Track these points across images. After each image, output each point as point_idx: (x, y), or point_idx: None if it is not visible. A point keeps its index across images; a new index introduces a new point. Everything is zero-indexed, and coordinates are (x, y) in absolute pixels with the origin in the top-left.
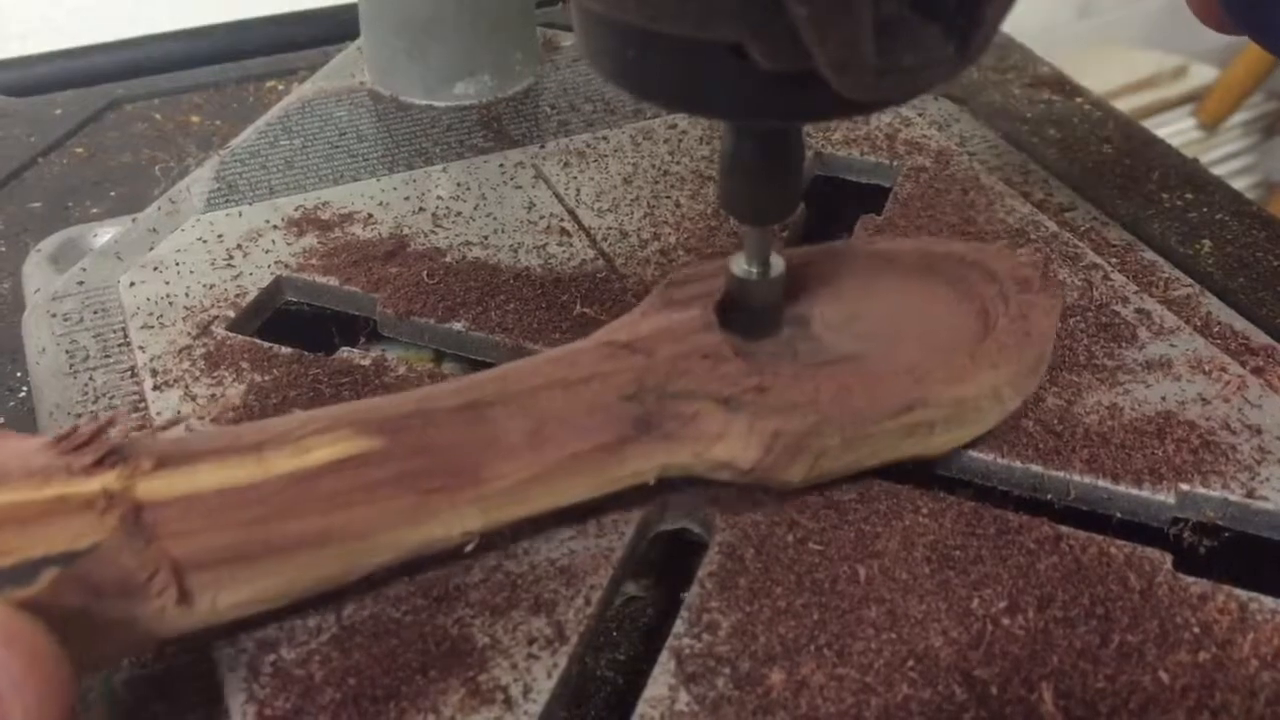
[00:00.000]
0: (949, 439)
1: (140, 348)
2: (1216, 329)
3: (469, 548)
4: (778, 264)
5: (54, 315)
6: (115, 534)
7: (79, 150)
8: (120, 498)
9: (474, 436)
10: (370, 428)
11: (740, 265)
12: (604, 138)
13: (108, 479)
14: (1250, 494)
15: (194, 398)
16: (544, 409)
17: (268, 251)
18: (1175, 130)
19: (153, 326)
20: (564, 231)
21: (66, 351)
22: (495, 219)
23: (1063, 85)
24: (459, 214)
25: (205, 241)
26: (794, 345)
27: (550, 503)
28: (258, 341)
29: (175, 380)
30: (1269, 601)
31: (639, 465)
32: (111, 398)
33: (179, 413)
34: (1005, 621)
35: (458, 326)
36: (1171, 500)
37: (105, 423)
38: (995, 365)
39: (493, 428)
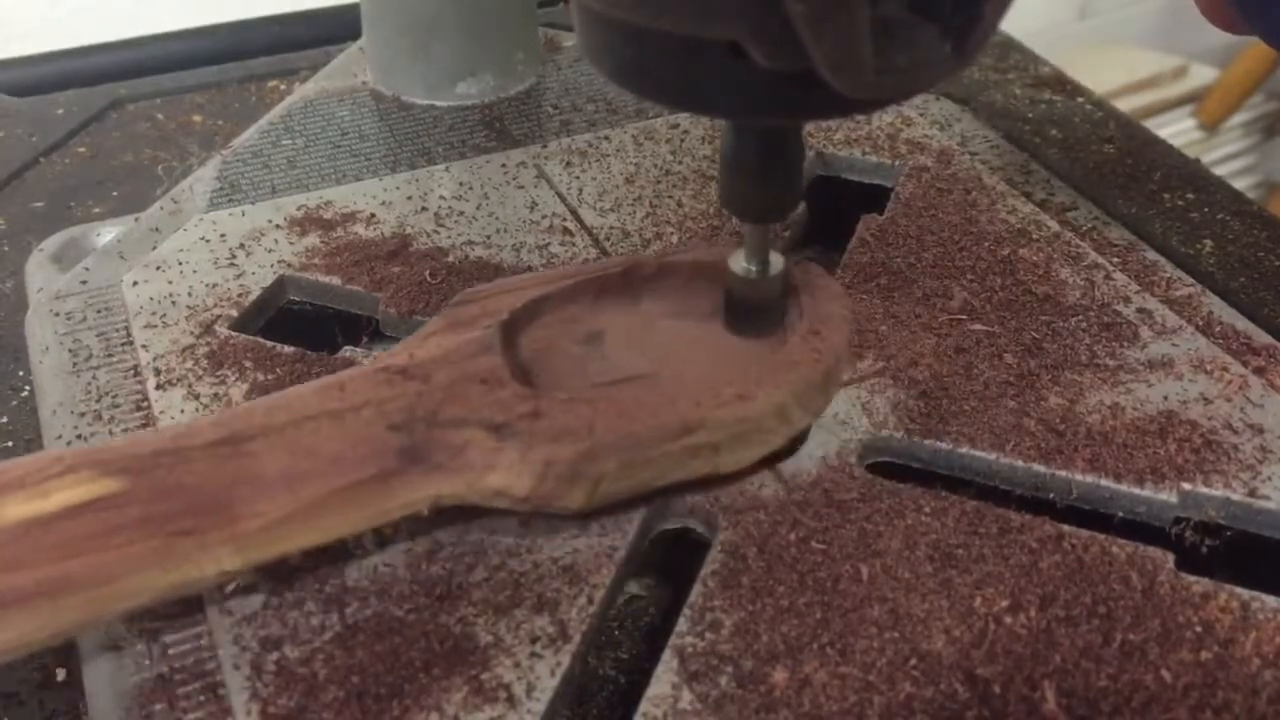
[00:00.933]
0: (736, 458)
1: (143, 347)
2: (1218, 329)
3: (230, 588)
4: (777, 262)
5: (57, 314)
6: None
7: (81, 150)
8: None
9: (229, 474)
10: (115, 468)
11: (740, 263)
12: (606, 137)
13: None
14: (1252, 493)
15: (197, 397)
16: (306, 442)
17: (270, 251)
18: (1175, 131)
19: (156, 326)
20: (566, 231)
21: (69, 350)
22: (497, 218)
23: (1064, 85)
24: (461, 213)
25: (208, 241)
26: (585, 364)
27: (315, 539)
28: (261, 340)
29: (178, 379)
30: (1271, 600)
31: (409, 497)
32: (114, 397)
33: None
34: (1007, 620)
35: None
36: (1173, 499)
37: None
38: (781, 385)
39: (251, 463)
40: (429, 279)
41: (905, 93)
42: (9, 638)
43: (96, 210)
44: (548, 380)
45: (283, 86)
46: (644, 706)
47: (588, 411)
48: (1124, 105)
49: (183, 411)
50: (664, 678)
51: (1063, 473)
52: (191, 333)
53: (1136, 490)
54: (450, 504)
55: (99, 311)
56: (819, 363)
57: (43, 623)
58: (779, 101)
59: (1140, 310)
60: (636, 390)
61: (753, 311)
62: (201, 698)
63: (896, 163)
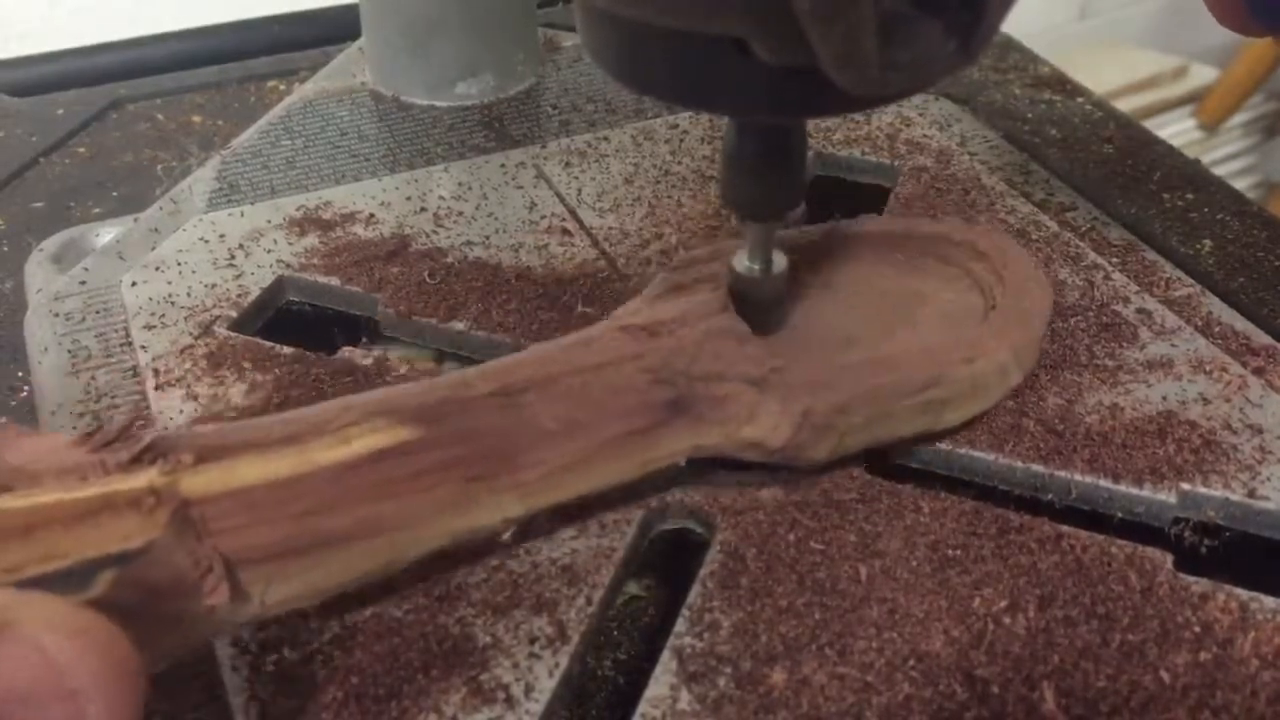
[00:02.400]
0: (959, 415)
1: (142, 347)
2: (1217, 329)
3: (507, 535)
4: (780, 261)
5: (56, 315)
6: (167, 532)
7: (81, 150)
8: (167, 494)
9: (510, 423)
10: (406, 416)
11: (742, 262)
12: (605, 138)
13: (151, 475)
14: (1251, 494)
15: (196, 397)
16: (577, 394)
17: (269, 251)
18: (1175, 131)
19: (155, 326)
20: (565, 231)
21: (69, 351)
22: (497, 219)
23: (1064, 85)
24: (460, 214)
25: (207, 241)
26: (805, 328)
27: (587, 487)
28: (259, 341)
29: (177, 380)
30: (1269, 601)
31: (672, 447)
32: (113, 397)
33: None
34: (1006, 621)
35: (459, 326)
36: (1172, 500)
37: (132, 419)
38: (1003, 345)
39: (528, 414)
40: (428, 279)
41: (910, 89)
42: (319, 577)
43: (96, 210)
44: (778, 342)
45: (282, 87)
46: (642, 707)
47: (837, 367)
48: (1124, 105)
49: (181, 412)
50: (663, 678)
51: (1062, 473)
52: (190, 333)
53: (1135, 490)
54: (706, 455)
55: (98, 312)
56: (1031, 323)
57: (350, 565)
58: (782, 98)
59: (1139, 310)
60: (870, 348)
61: (755, 310)
62: (201, 698)
63: (896, 163)
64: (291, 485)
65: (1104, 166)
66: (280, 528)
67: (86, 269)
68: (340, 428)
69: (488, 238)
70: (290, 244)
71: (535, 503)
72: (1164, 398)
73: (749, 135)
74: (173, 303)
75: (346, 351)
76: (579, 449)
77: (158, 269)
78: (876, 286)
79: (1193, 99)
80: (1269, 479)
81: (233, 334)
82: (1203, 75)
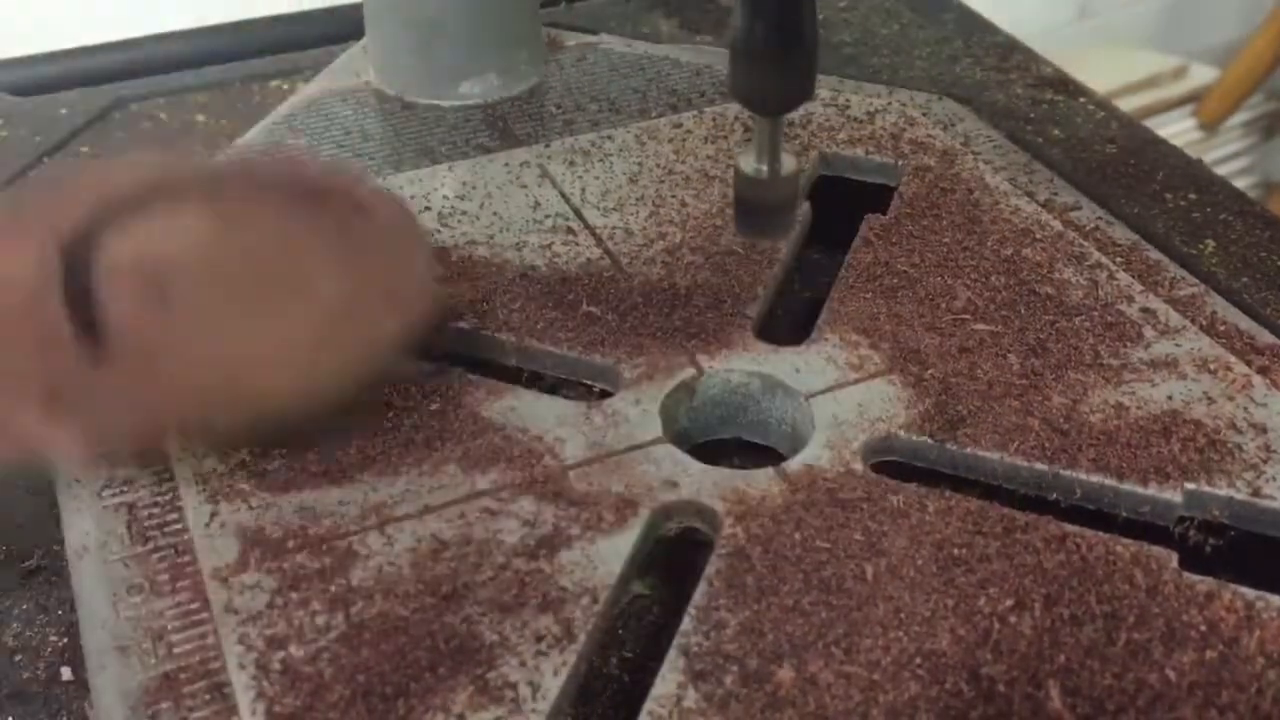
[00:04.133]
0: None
1: None
2: (1221, 328)
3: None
4: (789, 162)
5: None
6: None
7: (84, 150)
8: None
9: None
10: None
11: (750, 163)
12: (609, 137)
13: None
14: (1256, 492)
15: None
16: None
17: None
18: (1175, 131)
19: None
20: (569, 230)
21: None
22: (501, 218)
23: (1066, 85)
24: (465, 213)
25: None
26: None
27: None
28: None
29: None
30: (1275, 600)
31: None
32: None
33: None
34: (1012, 620)
35: (463, 325)
36: (1177, 499)
37: None
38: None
39: None
40: None
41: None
42: None
43: None
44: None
45: (285, 86)
46: (649, 705)
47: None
48: (1124, 105)
49: None
50: (669, 677)
51: (1067, 472)
52: None
53: (1140, 490)
54: None
55: None
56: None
57: None
58: None
59: (1144, 310)
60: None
61: (762, 213)
62: (207, 696)
63: (899, 162)
64: None
65: (1107, 166)
66: None
67: None
68: None
69: (492, 237)
70: None
71: None
72: (1169, 397)
73: (758, 20)
74: None
75: None
76: None
77: None
78: (245, 249)
79: (1192, 99)
80: (1274, 478)
81: None
82: (1202, 75)
